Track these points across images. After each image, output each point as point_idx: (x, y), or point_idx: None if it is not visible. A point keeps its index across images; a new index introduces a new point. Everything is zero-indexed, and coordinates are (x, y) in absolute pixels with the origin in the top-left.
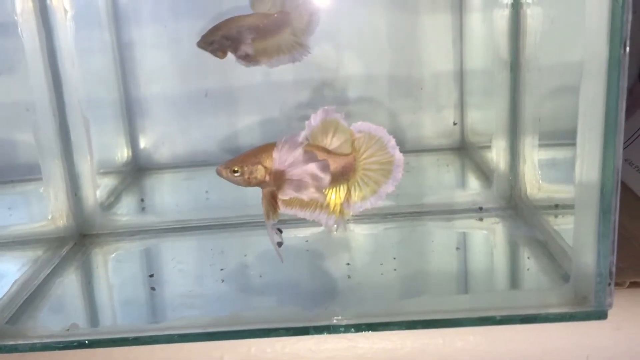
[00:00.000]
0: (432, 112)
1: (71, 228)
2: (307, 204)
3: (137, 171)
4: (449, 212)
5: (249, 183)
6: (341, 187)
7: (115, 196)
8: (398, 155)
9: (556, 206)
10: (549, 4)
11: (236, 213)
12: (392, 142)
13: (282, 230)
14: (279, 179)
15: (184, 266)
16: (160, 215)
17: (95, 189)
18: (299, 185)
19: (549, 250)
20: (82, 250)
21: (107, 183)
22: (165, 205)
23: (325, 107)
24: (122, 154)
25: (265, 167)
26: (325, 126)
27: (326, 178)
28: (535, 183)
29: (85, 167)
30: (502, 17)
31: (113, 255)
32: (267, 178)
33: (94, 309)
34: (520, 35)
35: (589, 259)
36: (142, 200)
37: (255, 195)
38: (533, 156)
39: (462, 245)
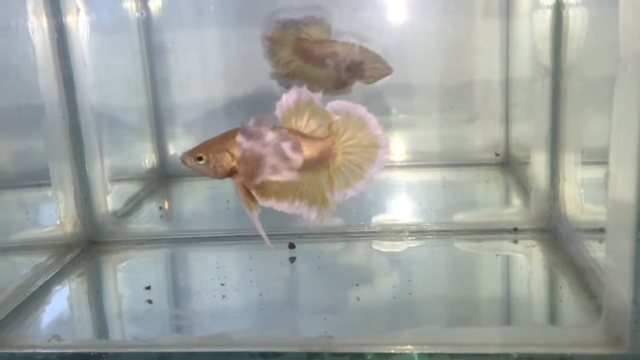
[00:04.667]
0: (475, 124)
1: (79, 234)
2: (284, 194)
3: (163, 178)
4: (480, 232)
5: (215, 172)
6: (321, 175)
7: (135, 203)
8: (382, 136)
9: (601, 230)
10: (592, 5)
11: (252, 225)
12: (374, 121)
13: (295, 245)
14: (246, 165)
15: (187, 278)
16: (175, 224)
17: (106, 195)
18: (269, 168)
19: (586, 280)
20: (88, 258)
21: (128, 190)
22: (183, 214)
23: (299, 87)
24: (148, 160)
25: (231, 155)
26: (299, 108)
27: (298, 156)
28: (578, 203)
29: (96, 172)
30: (543, 19)
31: (118, 264)
32: (236, 166)
33: (85, 320)
34: (562, 40)
35: (623, 294)
36: (160, 208)
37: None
38: (575, 173)
39: (490, 270)
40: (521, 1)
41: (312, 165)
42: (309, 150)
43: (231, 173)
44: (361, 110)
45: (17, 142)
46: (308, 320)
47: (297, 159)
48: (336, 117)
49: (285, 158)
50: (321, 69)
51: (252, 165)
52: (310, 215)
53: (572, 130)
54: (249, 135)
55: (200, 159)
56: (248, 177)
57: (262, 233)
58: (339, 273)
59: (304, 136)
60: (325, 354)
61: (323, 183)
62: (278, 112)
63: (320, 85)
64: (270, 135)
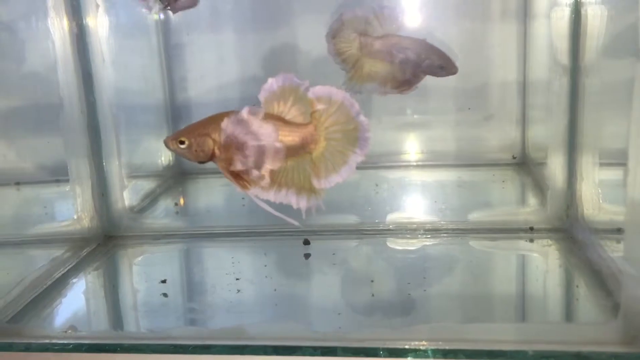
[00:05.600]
0: (492, 124)
1: (95, 229)
2: (269, 183)
3: (179, 175)
4: (496, 231)
5: (197, 156)
6: (305, 162)
7: (151, 199)
8: (363, 121)
9: (619, 230)
10: (612, 3)
11: (267, 221)
12: (356, 107)
13: (310, 241)
14: (226, 151)
15: (202, 273)
16: (190, 220)
17: (123, 190)
18: (245, 158)
19: (603, 279)
20: (104, 252)
21: (144, 186)
22: (199, 210)
23: (287, 73)
24: (164, 158)
25: (213, 140)
26: (284, 93)
27: (278, 155)
28: (595, 203)
29: (113, 168)
30: (561, 17)
31: (134, 258)
32: (217, 152)
33: (101, 312)
34: (581, 38)
35: None
36: (176, 204)
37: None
38: (593, 173)
39: (505, 269)
40: (539, 0)
41: (295, 152)
42: (290, 136)
43: (212, 157)
44: (343, 95)
45: (36, 138)
46: (322, 315)
47: (277, 159)
48: (319, 106)
49: (264, 152)
50: (388, 65)
51: (231, 152)
52: (300, 204)
53: (590, 129)
54: (236, 122)
55: (182, 142)
56: (227, 163)
57: (276, 213)
58: (353, 269)
59: (285, 122)
60: (339, 349)
61: (308, 170)
62: (261, 95)
63: (386, 82)
64: (254, 125)
